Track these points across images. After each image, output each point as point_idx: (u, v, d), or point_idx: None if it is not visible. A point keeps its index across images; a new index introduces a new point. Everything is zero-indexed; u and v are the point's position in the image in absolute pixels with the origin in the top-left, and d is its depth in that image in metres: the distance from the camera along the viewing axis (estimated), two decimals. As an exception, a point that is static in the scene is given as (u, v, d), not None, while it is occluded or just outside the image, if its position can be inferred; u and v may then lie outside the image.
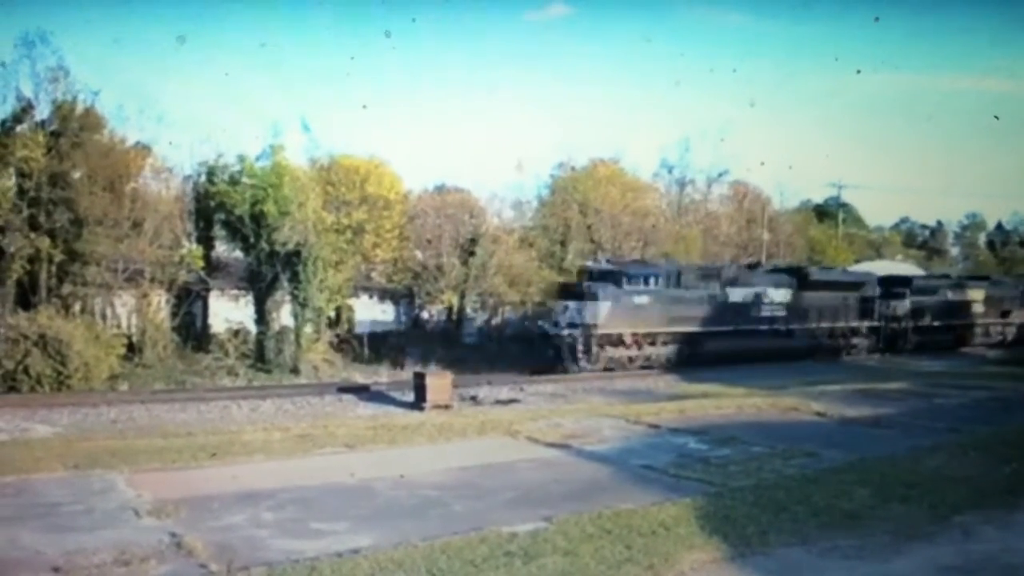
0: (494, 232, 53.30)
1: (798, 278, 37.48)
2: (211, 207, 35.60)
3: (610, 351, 30.63)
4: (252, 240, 33.69)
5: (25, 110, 32.29)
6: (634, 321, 31.04)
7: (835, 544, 9.57)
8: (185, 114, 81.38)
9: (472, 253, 40.37)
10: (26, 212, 29.11)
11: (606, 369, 30.19)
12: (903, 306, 42.40)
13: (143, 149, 36.37)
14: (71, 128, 31.94)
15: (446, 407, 21.77)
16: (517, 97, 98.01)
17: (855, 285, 40.50)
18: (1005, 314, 48.96)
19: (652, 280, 31.77)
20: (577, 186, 53.97)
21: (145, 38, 76.67)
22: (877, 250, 77.73)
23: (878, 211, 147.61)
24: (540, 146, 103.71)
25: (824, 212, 77.30)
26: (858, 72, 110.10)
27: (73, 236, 29.78)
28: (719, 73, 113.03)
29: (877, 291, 41.36)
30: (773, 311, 36.18)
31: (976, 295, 46.95)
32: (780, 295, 36.45)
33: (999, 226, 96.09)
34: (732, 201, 65.40)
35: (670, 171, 62.96)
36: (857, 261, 61.78)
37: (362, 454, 14.73)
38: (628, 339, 31.05)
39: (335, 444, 15.48)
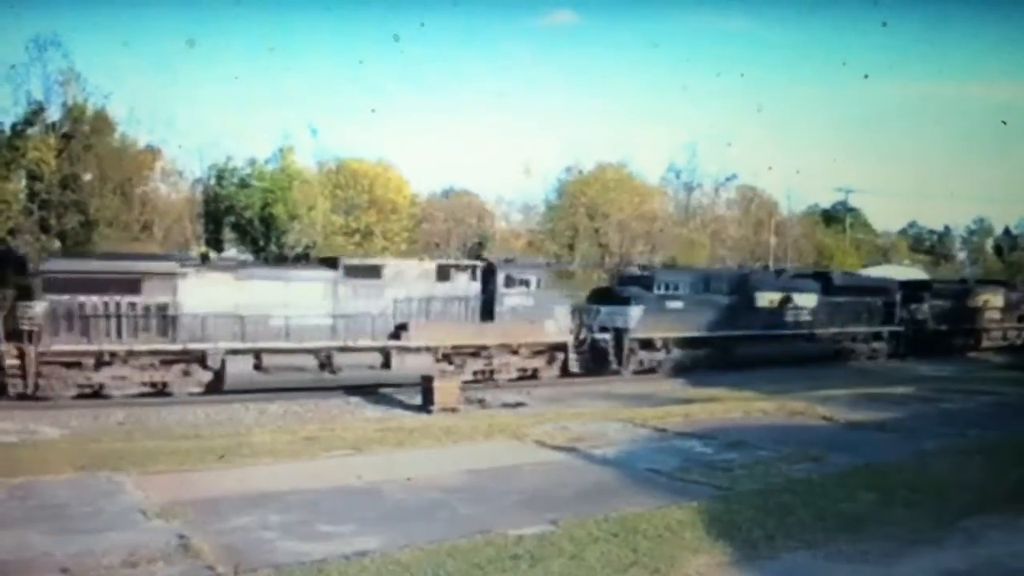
0: (502, 235, 53.53)
1: None
2: (220, 210, 35.84)
3: None
4: (262, 243, 33.82)
5: (36, 113, 32.53)
6: None
7: (841, 548, 9.57)
8: (194, 117, 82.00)
9: (480, 256, 40.50)
10: (37, 215, 29.30)
11: None
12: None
13: (153, 152, 36.63)
14: (82, 131, 32.13)
15: (453, 410, 21.80)
16: (525, 101, 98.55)
17: None
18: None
19: None
20: (585, 190, 54.15)
21: (155, 42, 77.26)
22: (884, 255, 77.58)
23: (886, 216, 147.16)
24: (548, 150, 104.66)
25: (832, 217, 77.23)
26: (866, 77, 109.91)
27: (83, 238, 29.95)
28: (726, 78, 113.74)
29: None
30: None
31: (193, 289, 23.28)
32: None
33: (1006, 231, 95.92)
34: (739, 206, 65.43)
35: (677, 175, 63.21)
36: (864, 266, 61.63)
37: (369, 457, 14.75)
38: None
39: (342, 446, 15.50)
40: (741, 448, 15.62)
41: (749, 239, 62.87)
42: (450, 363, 26.03)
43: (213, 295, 23.22)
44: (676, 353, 31.13)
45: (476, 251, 44.06)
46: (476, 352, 26.85)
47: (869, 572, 9.01)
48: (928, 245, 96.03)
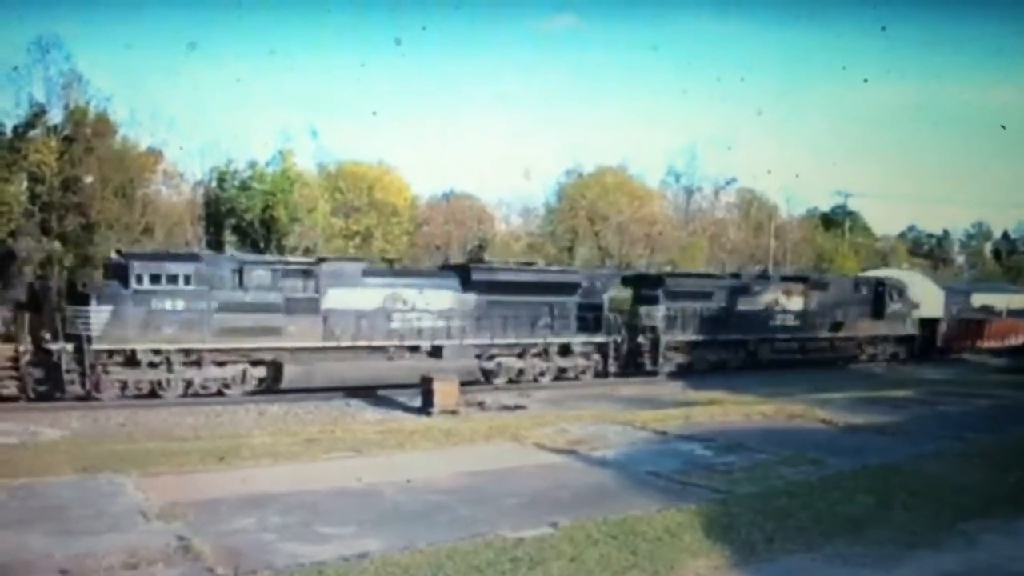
0: (502, 238, 53.58)
1: None
2: (222, 212, 35.87)
3: None
4: (263, 245, 33.85)
5: (38, 115, 32.57)
6: None
7: (839, 551, 9.61)
8: (196, 120, 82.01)
9: (480, 259, 40.50)
10: (38, 217, 29.32)
11: None
12: None
13: (155, 154, 36.66)
14: (83, 133, 32.18)
15: (453, 412, 21.82)
16: (525, 104, 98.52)
17: None
18: None
19: None
20: (585, 193, 54.21)
21: (157, 45, 77.35)
22: (884, 258, 77.61)
23: (885, 219, 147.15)
24: (548, 153, 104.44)
25: (831, 220, 77.27)
26: (865, 81, 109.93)
27: (84, 240, 29.96)
28: (726, 81, 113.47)
29: None
30: None
31: None
32: None
33: (1005, 235, 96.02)
34: (739, 209, 65.54)
35: (677, 179, 63.24)
36: (863, 270, 61.62)
37: (369, 459, 14.78)
38: None
39: (343, 448, 15.54)
40: (740, 451, 15.67)
41: (749, 242, 62.94)
42: None
43: None
44: (187, 372, 22.70)
45: (476, 254, 44.03)
46: None
47: (867, 575, 9.04)
48: (927, 249, 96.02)
